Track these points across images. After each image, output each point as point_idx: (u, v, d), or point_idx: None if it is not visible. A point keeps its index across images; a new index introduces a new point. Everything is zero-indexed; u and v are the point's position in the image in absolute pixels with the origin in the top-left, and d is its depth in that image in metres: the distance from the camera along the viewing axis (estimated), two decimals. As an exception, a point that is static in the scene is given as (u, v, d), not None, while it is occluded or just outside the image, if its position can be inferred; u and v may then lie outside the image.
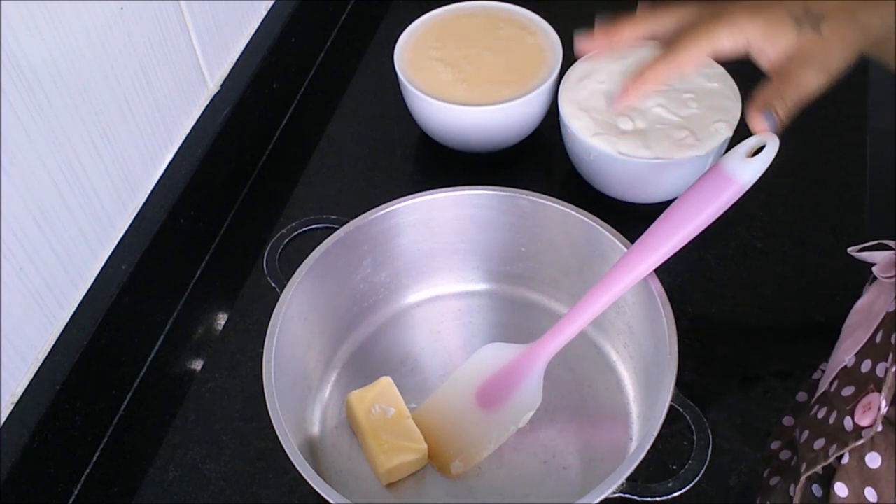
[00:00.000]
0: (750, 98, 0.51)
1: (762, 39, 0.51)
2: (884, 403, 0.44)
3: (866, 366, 0.48)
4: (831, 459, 0.46)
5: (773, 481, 0.54)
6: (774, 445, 0.56)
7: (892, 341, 0.45)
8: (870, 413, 0.45)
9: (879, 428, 0.44)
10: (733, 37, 0.51)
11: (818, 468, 0.47)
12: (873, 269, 0.52)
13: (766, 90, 0.50)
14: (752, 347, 0.64)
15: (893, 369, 0.44)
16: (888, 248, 0.53)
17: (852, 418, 0.46)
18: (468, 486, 0.56)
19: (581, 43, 0.57)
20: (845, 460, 0.46)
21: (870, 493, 0.45)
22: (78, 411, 0.58)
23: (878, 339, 0.48)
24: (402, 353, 0.63)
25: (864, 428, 0.45)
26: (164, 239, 0.65)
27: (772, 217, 0.71)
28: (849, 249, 0.55)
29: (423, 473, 0.57)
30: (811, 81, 0.49)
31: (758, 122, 0.50)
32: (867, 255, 0.54)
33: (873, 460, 0.45)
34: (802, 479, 0.48)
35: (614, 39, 0.55)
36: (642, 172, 0.66)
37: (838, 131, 0.76)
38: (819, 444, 0.48)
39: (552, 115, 0.73)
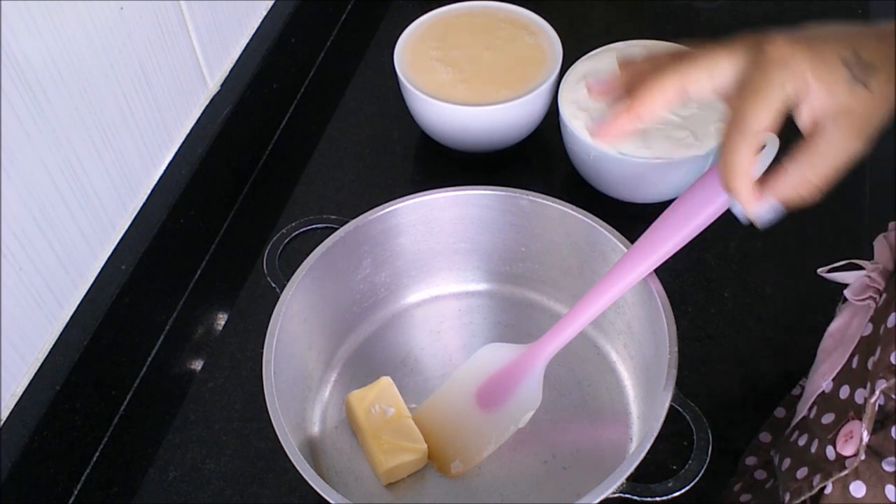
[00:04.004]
0: (758, 177, 0.44)
1: (813, 81, 0.41)
2: (865, 433, 0.44)
3: (844, 392, 0.47)
4: (816, 490, 0.46)
5: (744, 498, 0.53)
6: (749, 461, 0.56)
7: (869, 367, 0.45)
8: (852, 442, 0.44)
9: (863, 457, 0.44)
10: (785, 83, 0.41)
11: (802, 500, 0.47)
12: (845, 291, 0.51)
13: (789, 168, 0.43)
14: (752, 347, 0.64)
15: (872, 399, 0.43)
16: (858, 266, 0.52)
17: (834, 447, 0.46)
18: (468, 486, 0.56)
19: (598, 129, 0.49)
20: (828, 490, 0.46)
21: None
22: (78, 411, 0.58)
23: (854, 363, 0.48)
24: (402, 353, 0.63)
25: (847, 458, 0.45)
26: (164, 239, 0.65)
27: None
28: (818, 271, 0.53)
29: (423, 473, 0.57)
30: (848, 148, 0.41)
31: (755, 207, 0.44)
32: (838, 276, 0.52)
33: (858, 489, 0.45)
34: None
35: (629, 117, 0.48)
36: (642, 172, 0.66)
37: (838, 131, 0.76)
38: (802, 472, 0.48)
39: (552, 115, 0.73)
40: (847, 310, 0.51)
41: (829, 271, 0.53)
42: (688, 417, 0.51)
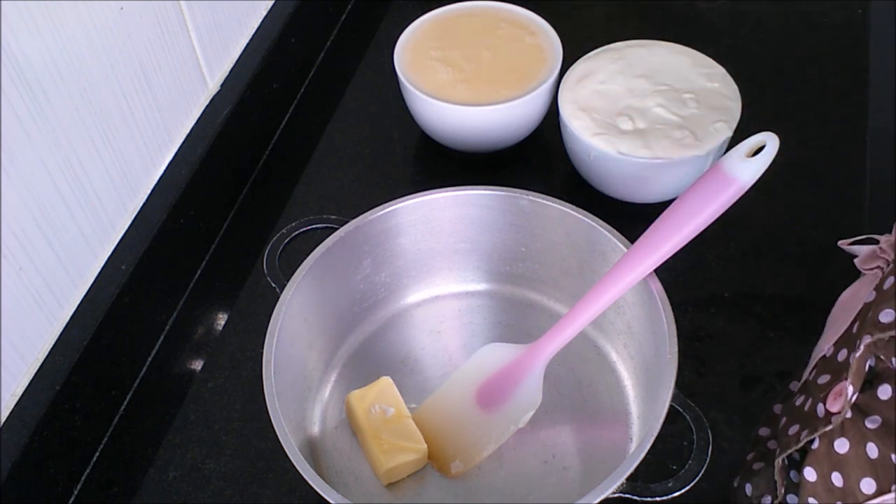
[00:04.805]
0: None
1: None
2: (851, 390, 0.44)
3: (842, 355, 0.48)
4: (802, 444, 0.47)
5: (757, 466, 0.54)
6: (763, 432, 0.56)
7: (862, 329, 0.46)
8: (840, 399, 0.45)
9: (848, 414, 0.45)
10: None
11: (789, 452, 0.48)
12: (854, 261, 0.53)
13: None
14: (752, 347, 0.64)
15: (856, 355, 0.44)
16: (876, 241, 0.53)
17: (824, 405, 0.46)
18: (468, 486, 0.56)
19: None
20: (815, 445, 0.46)
21: (836, 478, 0.46)
22: (78, 411, 0.58)
23: (854, 328, 0.49)
24: (402, 353, 0.63)
25: (833, 414, 0.45)
26: (164, 239, 0.65)
27: (772, 217, 0.71)
28: (839, 243, 0.55)
29: (423, 473, 0.57)
30: None
31: None
32: (855, 248, 0.55)
33: (841, 446, 0.45)
34: (778, 462, 0.48)
35: None
36: (642, 172, 0.66)
37: (838, 131, 0.76)
38: (793, 429, 0.48)
39: (552, 115, 0.73)
40: (858, 280, 0.53)
41: (850, 244, 0.54)
42: (688, 417, 0.51)
